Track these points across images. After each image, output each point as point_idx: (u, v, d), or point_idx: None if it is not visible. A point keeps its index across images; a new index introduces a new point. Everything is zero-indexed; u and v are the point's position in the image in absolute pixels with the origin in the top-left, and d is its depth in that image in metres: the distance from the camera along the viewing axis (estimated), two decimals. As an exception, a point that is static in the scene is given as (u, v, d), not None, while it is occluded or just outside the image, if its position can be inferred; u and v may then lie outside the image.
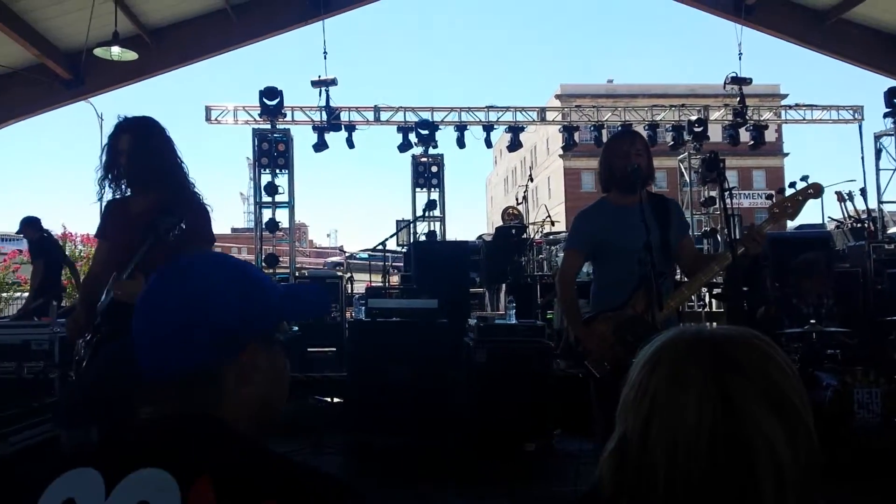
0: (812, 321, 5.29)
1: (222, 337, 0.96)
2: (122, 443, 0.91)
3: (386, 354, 5.56)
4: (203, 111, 11.93)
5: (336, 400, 6.53)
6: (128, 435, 0.92)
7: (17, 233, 12.20)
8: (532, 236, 10.71)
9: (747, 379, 0.89)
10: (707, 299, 9.34)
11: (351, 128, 11.59)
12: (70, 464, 0.87)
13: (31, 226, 8.41)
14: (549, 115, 13.09)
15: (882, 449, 4.62)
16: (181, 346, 0.94)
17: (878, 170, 10.99)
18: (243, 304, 0.98)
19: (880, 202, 11.01)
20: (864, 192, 9.74)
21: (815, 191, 3.04)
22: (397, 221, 12.34)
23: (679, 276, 3.74)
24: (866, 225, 9.51)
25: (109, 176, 3.02)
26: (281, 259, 10.94)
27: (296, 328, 6.61)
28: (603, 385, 3.07)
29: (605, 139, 12.02)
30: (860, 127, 12.29)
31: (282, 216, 10.68)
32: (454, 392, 5.50)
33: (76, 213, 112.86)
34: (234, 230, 48.75)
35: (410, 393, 5.40)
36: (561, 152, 38.95)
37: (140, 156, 2.96)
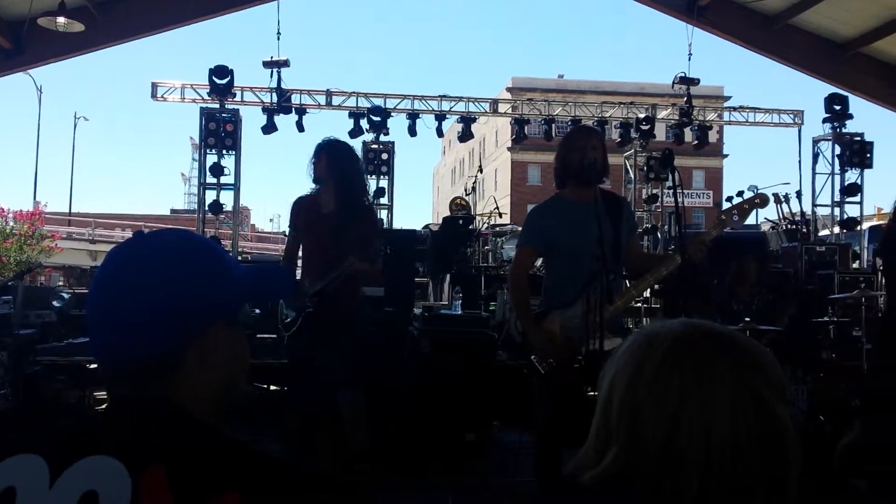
0: (747, 319, 5.46)
1: (184, 319, 0.90)
2: (70, 428, 0.85)
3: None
4: (149, 87, 11.61)
5: (274, 388, 6.43)
6: (77, 420, 0.86)
7: None
8: (479, 227, 10.76)
9: (768, 377, 0.92)
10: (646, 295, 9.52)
11: (302, 111, 11.39)
12: (11, 450, 0.81)
13: None
14: (502, 108, 13.14)
15: (805, 445, 4.82)
16: (141, 330, 0.88)
17: (814, 174, 11.28)
18: (207, 284, 0.92)
19: (814, 205, 11.34)
20: (799, 194, 10.04)
21: (762, 200, 3.23)
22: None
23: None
24: (800, 227, 9.83)
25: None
26: (223, 243, 10.73)
27: (257, 311, 6.47)
28: (546, 381, 3.12)
29: (554, 134, 12.14)
30: (799, 131, 12.57)
31: (226, 198, 10.48)
32: (397, 380, 5.49)
33: (9, 187, 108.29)
34: (173, 211, 47.50)
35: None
36: (510, 145, 39.22)
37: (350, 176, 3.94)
